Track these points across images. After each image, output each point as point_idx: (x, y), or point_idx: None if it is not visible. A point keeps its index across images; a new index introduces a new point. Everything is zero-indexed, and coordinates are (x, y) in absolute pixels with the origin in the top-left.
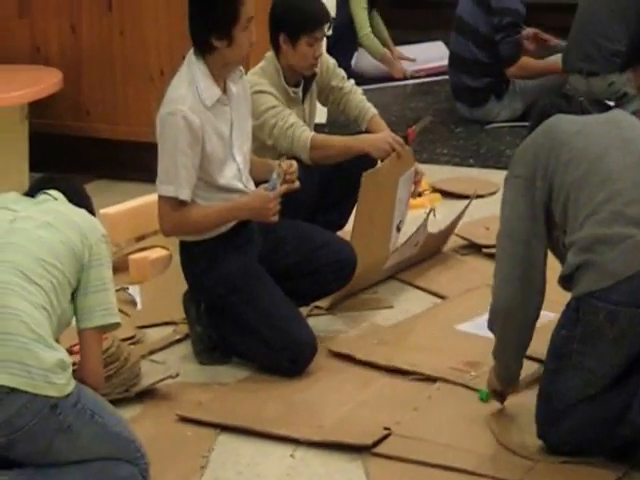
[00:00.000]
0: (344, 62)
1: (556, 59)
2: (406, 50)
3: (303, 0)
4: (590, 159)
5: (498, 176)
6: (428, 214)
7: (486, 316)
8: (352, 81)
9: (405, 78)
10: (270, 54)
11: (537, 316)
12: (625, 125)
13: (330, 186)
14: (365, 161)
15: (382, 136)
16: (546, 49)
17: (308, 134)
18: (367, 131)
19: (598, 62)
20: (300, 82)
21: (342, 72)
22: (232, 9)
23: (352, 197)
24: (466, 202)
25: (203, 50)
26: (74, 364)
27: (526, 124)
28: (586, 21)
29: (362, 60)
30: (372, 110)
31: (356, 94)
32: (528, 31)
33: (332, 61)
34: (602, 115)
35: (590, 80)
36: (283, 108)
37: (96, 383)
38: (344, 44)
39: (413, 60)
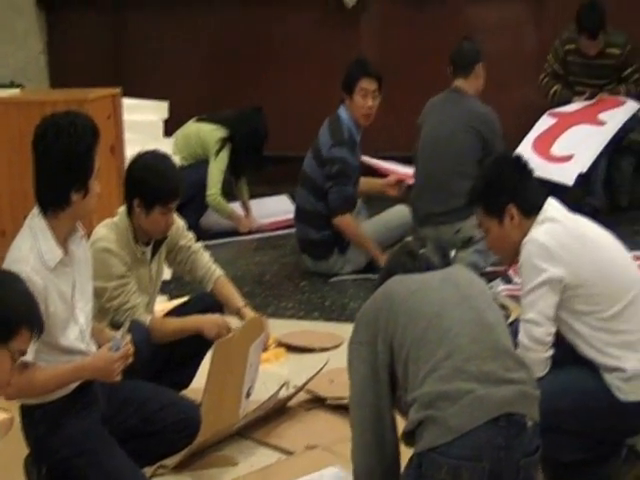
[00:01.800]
0: (193, 219)
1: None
2: (252, 204)
3: (162, 170)
4: (428, 317)
5: (342, 329)
6: (281, 387)
7: (324, 471)
8: (200, 243)
9: (251, 232)
10: (123, 210)
11: (398, 469)
12: (463, 282)
13: (175, 347)
14: None
15: (214, 319)
16: (406, 190)
17: (146, 318)
18: (212, 292)
19: (445, 214)
20: (151, 241)
21: (191, 234)
22: (90, 160)
23: (197, 359)
24: (311, 355)
25: (59, 206)
26: None
27: (370, 276)
28: (430, 179)
29: (209, 216)
30: (218, 271)
31: (203, 255)
32: (390, 179)
33: (182, 222)
34: (441, 272)
35: (439, 228)
36: (129, 281)
37: None
38: (196, 203)
39: (264, 224)
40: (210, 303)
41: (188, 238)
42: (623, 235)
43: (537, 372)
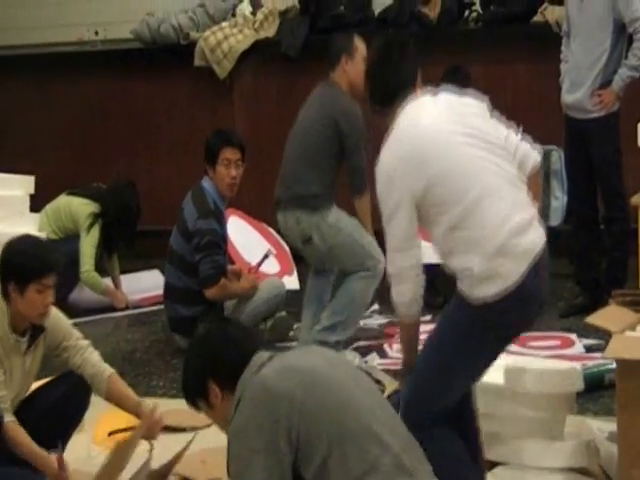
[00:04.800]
0: (62, 294)
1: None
2: (123, 279)
3: (32, 247)
4: (342, 408)
5: None
6: (150, 453)
7: None
8: (88, 341)
9: (127, 308)
10: None
11: None
12: (342, 363)
13: (40, 428)
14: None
15: None
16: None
17: (7, 415)
18: (107, 397)
19: (289, 200)
20: (27, 332)
21: (77, 333)
22: None
23: (61, 440)
24: (182, 435)
25: None
26: None
27: None
28: (283, 166)
29: (81, 292)
30: (109, 370)
31: (93, 354)
32: (235, 267)
33: (67, 324)
34: (317, 355)
35: (285, 214)
36: None
37: None
38: (65, 278)
39: (136, 299)
40: (75, 382)
41: (74, 337)
42: None
43: None
